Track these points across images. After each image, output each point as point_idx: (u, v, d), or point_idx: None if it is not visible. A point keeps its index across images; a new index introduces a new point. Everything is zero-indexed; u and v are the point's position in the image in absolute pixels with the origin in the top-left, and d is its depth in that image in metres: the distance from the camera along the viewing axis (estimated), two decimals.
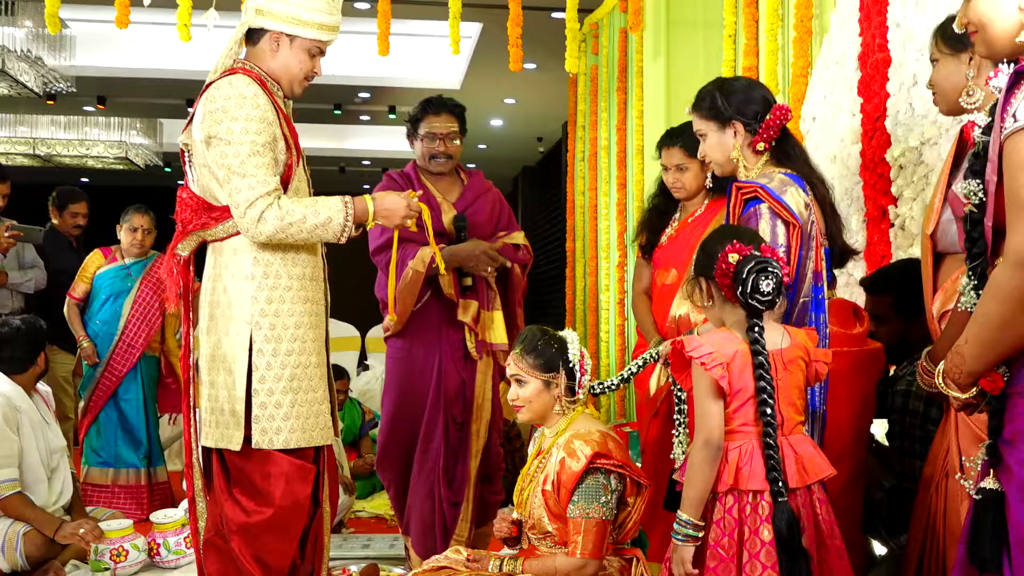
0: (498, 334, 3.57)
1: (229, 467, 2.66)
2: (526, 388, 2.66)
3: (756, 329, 2.12)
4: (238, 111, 2.54)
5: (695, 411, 2.13)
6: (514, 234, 3.74)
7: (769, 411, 2.08)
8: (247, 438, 2.59)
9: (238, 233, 2.61)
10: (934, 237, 2.22)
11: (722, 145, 2.60)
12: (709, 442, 2.07)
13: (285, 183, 2.63)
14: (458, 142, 3.68)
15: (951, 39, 2.29)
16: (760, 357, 2.10)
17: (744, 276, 2.10)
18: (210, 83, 2.66)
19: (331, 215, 2.58)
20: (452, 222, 3.57)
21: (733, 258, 2.13)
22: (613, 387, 2.83)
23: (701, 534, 2.06)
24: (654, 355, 2.83)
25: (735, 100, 2.58)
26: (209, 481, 2.70)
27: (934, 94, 2.39)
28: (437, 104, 3.67)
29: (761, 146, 2.55)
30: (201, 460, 2.73)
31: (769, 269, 2.12)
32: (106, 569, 3.48)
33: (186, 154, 2.72)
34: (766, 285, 2.10)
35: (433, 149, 3.63)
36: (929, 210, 2.24)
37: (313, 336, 2.69)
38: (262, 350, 2.60)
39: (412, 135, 3.70)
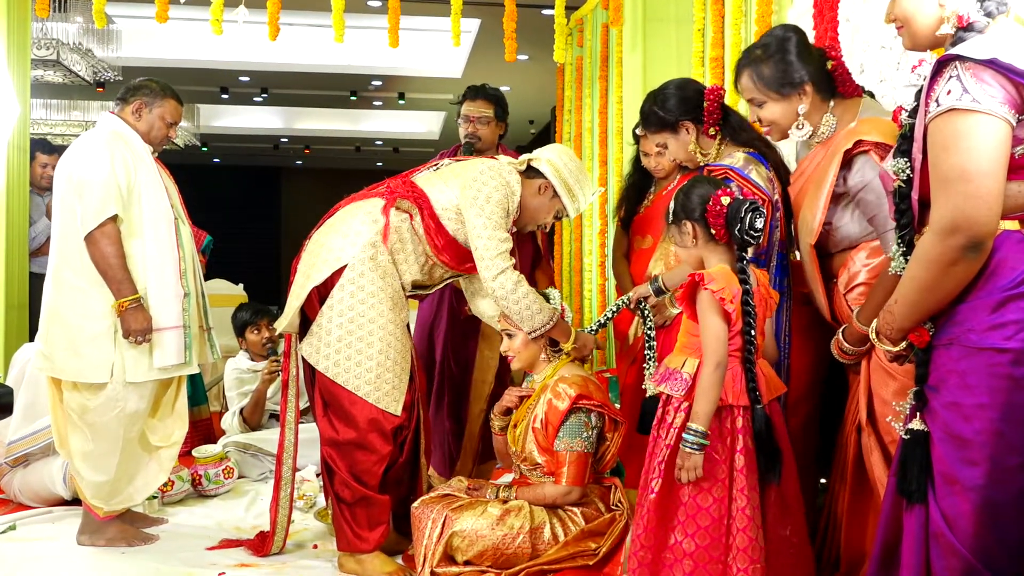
0: None
1: (323, 392, 2.73)
2: (515, 340, 2.69)
3: (745, 263, 2.14)
4: (502, 188, 2.72)
5: (704, 336, 2.09)
6: None
7: (753, 335, 2.10)
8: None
9: (393, 209, 2.73)
10: (817, 245, 2.26)
11: (682, 146, 2.63)
12: (720, 364, 2.06)
13: None
14: (491, 126, 3.62)
15: None
16: (747, 286, 2.11)
17: (742, 215, 2.10)
18: (493, 157, 2.91)
19: (543, 309, 2.65)
20: None
21: (725, 200, 2.13)
22: (593, 332, 2.84)
23: (709, 443, 2.05)
24: (624, 301, 2.83)
25: (674, 105, 2.60)
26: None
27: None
28: (474, 91, 3.64)
29: (712, 131, 2.56)
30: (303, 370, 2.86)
31: (760, 209, 2.13)
32: (154, 497, 3.49)
33: (440, 163, 2.94)
34: (759, 222, 2.11)
35: (466, 129, 3.61)
36: (808, 225, 2.26)
37: (385, 309, 2.70)
38: (343, 285, 2.67)
39: (458, 117, 3.68)
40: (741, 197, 2.16)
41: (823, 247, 2.31)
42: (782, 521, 2.13)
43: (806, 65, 2.27)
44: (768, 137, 2.50)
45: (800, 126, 2.29)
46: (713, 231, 2.15)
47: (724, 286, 2.08)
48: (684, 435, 2.06)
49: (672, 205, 2.27)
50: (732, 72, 4.21)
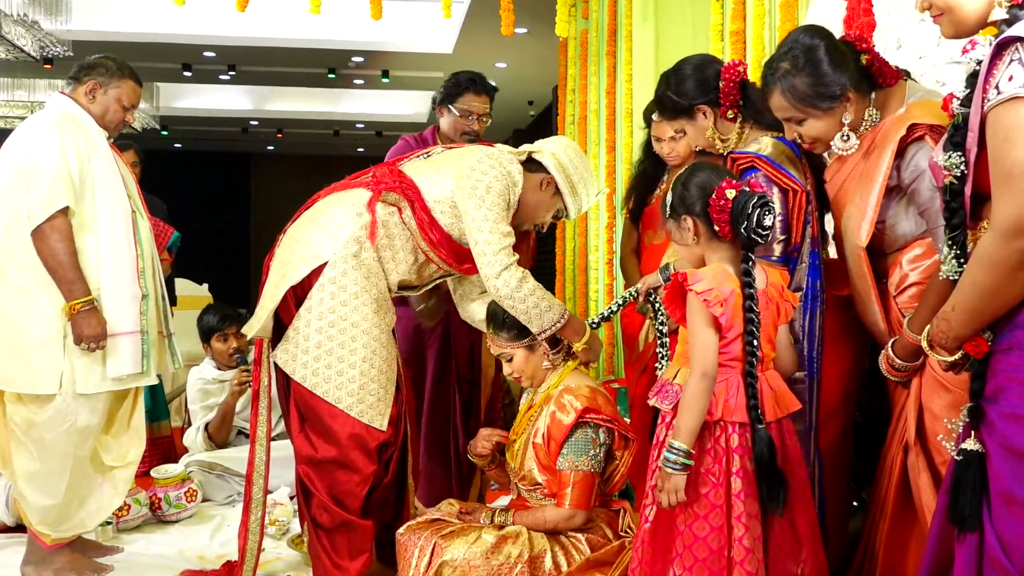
0: None
1: (300, 405, 2.72)
2: (515, 360, 2.68)
3: (750, 263, 2.10)
4: (503, 178, 2.71)
5: (691, 343, 2.08)
6: None
7: (755, 344, 2.07)
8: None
9: (379, 203, 2.71)
10: (868, 247, 2.23)
11: (700, 131, 2.62)
12: (706, 374, 2.03)
13: None
14: (488, 120, 3.70)
15: None
16: (750, 290, 2.08)
17: (749, 211, 2.06)
18: (494, 144, 2.90)
19: (552, 306, 2.64)
20: None
21: (730, 194, 2.08)
22: (595, 325, 2.81)
23: (692, 463, 2.03)
24: (632, 294, 2.81)
25: (690, 88, 2.58)
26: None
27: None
28: (479, 84, 3.67)
29: (731, 113, 2.54)
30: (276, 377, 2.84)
31: (770, 204, 2.10)
32: (108, 523, 3.47)
33: (432, 153, 2.92)
34: (768, 219, 2.08)
35: (467, 126, 3.64)
36: (855, 225, 2.23)
37: (369, 312, 2.68)
38: (323, 285, 2.66)
39: (444, 105, 3.68)
40: (747, 189, 2.11)
41: (876, 248, 2.27)
42: (792, 556, 2.10)
43: (843, 73, 2.22)
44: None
45: (846, 137, 2.26)
46: (716, 227, 2.11)
47: (712, 287, 2.05)
48: (665, 453, 2.03)
49: (669, 197, 2.23)
50: (754, 48, 4.22)
